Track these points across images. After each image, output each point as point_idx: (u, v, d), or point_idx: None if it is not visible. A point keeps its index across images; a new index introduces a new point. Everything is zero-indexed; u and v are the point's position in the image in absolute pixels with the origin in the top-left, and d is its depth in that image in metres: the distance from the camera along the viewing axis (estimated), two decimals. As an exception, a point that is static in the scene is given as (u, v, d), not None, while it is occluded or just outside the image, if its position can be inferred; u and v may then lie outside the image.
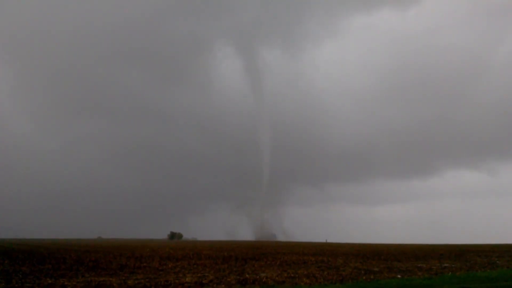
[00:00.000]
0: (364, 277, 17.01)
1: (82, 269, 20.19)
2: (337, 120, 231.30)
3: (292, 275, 17.88)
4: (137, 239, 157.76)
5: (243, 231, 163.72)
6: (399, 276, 17.75)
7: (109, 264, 23.50)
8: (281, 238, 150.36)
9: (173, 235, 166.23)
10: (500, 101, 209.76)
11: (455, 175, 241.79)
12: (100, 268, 20.89)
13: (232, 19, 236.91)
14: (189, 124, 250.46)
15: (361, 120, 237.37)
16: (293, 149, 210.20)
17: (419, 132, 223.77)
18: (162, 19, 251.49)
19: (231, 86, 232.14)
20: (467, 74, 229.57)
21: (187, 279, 16.29)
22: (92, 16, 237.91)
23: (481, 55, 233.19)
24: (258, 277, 17.07)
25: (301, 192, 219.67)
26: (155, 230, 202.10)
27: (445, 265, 23.60)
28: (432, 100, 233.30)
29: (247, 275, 17.65)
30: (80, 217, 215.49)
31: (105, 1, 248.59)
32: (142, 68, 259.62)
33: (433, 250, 42.28)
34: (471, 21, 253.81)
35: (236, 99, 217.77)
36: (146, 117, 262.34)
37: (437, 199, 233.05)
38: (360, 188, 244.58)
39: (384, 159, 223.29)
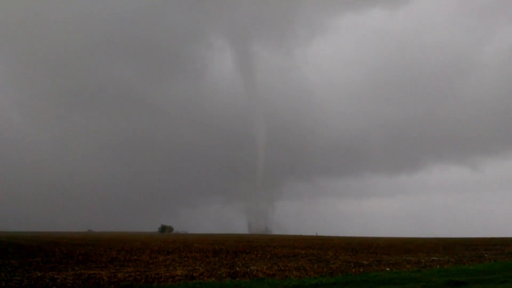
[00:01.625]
0: (353, 270, 17.17)
1: (72, 262, 20.06)
2: (327, 114, 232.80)
3: (283, 268, 17.99)
4: (128, 232, 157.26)
5: (236, 224, 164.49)
6: (388, 269, 17.94)
7: (99, 257, 23.38)
8: (275, 231, 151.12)
9: (163, 228, 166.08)
10: (485, 98, 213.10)
11: (442, 170, 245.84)
12: (90, 261, 20.79)
13: (226, 14, 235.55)
14: (182, 117, 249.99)
15: (350, 114, 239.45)
16: (284, 143, 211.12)
17: (407, 128, 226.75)
18: (156, 12, 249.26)
19: (224, 80, 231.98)
20: (454, 71, 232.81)
21: (177, 272, 16.28)
22: (85, 8, 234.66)
23: (468, 54, 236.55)
24: (248, 270, 17.13)
25: (292, 185, 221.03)
26: (145, 223, 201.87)
27: (434, 258, 23.93)
28: (420, 97, 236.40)
29: (237, 268, 17.71)
30: (70, 210, 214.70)
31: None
32: (135, 61, 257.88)
33: (422, 244, 42.85)
34: (459, 20, 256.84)
35: (229, 92, 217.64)
36: (138, 110, 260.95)
37: (424, 193, 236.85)
38: (350, 182, 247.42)
39: (373, 154, 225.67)
